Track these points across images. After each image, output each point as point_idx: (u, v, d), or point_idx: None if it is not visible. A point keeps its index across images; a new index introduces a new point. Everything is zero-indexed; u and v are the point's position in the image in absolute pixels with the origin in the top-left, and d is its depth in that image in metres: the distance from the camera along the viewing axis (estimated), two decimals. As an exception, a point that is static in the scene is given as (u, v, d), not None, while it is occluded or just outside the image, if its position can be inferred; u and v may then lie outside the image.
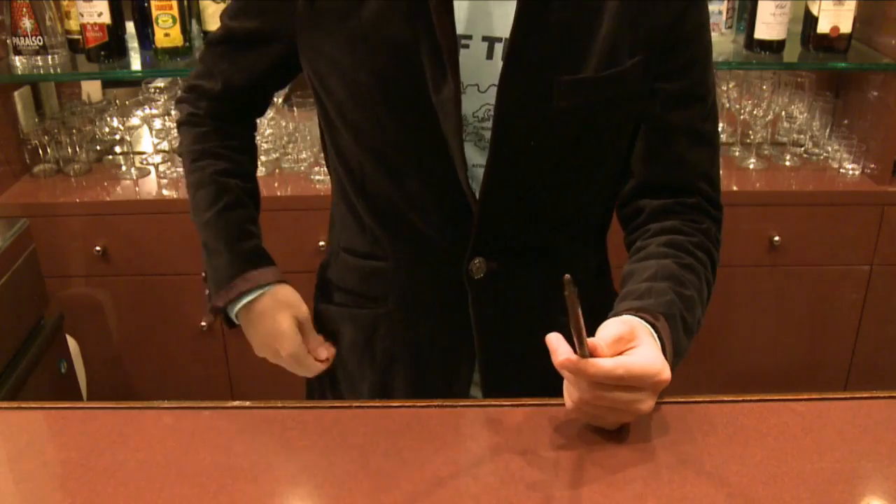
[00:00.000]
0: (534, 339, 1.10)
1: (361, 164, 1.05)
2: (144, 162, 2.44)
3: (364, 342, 1.15)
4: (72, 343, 2.25)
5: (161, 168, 2.40)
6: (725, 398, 1.00)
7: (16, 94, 2.36)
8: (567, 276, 0.80)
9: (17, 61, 2.26)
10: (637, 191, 1.07)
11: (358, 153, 1.05)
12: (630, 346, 0.88)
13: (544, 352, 1.12)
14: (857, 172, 2.33)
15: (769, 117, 2.34)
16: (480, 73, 0.98)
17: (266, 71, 1.12)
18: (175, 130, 2.39)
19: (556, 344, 0.85)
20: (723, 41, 2.35)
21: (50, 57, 2.26)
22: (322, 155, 1.18)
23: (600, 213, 1.13)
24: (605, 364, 0.84)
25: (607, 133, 1.02)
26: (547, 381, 1.13)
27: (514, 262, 1.06)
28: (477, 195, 1.01)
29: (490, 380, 1.11)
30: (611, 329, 0.89)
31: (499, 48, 0.97)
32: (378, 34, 0.97)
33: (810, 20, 2.24)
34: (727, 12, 2.30)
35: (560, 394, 1.15)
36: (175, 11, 2.20)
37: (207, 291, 1.17)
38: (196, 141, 1.17)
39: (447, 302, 1.09)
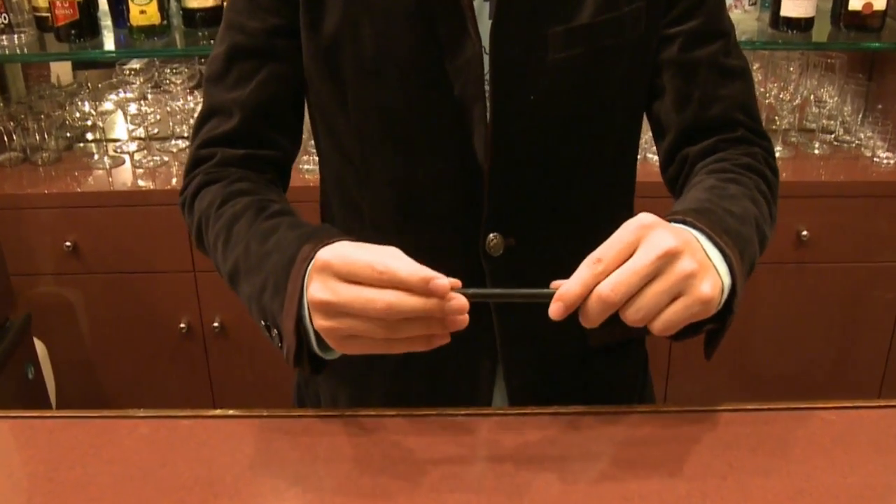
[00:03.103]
0: (556, 321, 1.12)
1: (364, 148, 1.06)
2: (118, 150, 2.44)
3: None
4: (39, 346, 2.24)
5: (136, 157, 2.40)
6: (749, 406, 1.00)
7: (-21, 76, 2.36)
8: (455, 282, 0.80)
9: (-20, 41, 2.26)
10: (676, 143, 1.08)
11: (362, 138, 1.05)
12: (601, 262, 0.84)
13: (566, 332, 1.13)
14: (891, 161, 2.33)
15: (797, 102, 2.34)
16: (486, 34, 0.99)
17: (284, 76, 1.07)
18: (152, 116, 2.41)
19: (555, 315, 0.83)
20: (746, 19, 2.35)
21: (16, 36, 2.26)
22: (311, 142, 1.18)
23: (622, 176, 1.14)
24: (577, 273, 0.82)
25: (611, 87, 1.04)
26: (569, 364, 1.15)
27: (532, 236, 1.07)
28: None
29: (512, 369, 1.12)
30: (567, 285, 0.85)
31: None
32: (384, 6, 0.98)
33: (841, -4, 2.24)
34: (751, -13, 2.30)
35: (583, 382, 1.16)
36: (151, -14, 2.20)
37: (274, 333, 0.91)
38: (220, 190, 1.04)
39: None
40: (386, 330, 0.81)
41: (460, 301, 0.80)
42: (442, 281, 0.79)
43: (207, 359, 2.39)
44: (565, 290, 0.81)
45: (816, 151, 2.39)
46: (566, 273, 1.11)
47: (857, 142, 2.43)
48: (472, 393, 1.13)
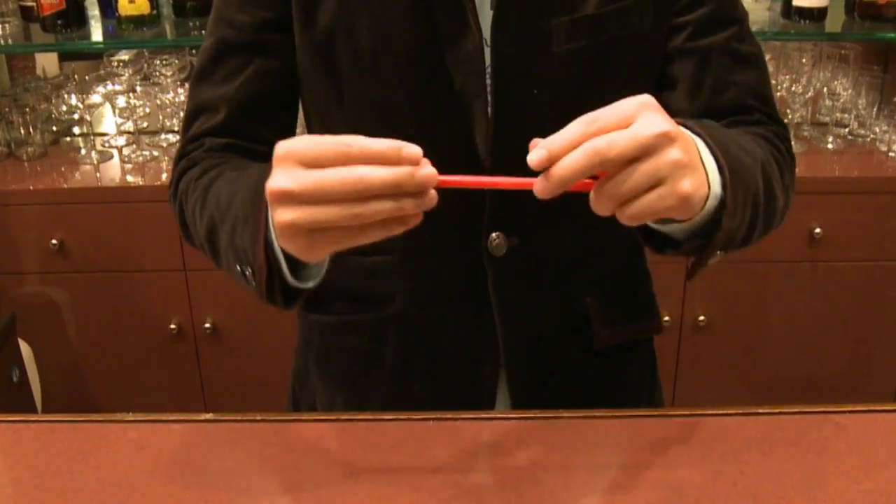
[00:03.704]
0: (559, 320, 1.12)
1: None
2: (106, 144, 2.43)
3: (371, 351, 1.15)
4: (24, 348, 2.24)
5: (125, 151, 2.39)
6: (760, 410, 1.00)
7: (-39, 68, 2.36)
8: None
9: (-37, 31, 2.26)
10: None
11: (357, 133, 1.05)
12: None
13: (573, 334, 1.13)
14: (908, 156, 2.33)
15: (809, 94, 2.34)
16: (488, 26, 0.99)
17: (273, 72, 1.06)
18: (141, 109, 2.41)
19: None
20: (758, 9, 2.34)
21: (0, 26, 2.25)
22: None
23: None
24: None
25: (618, 79, 1.04)
26: (574, 368, 1.15)
27: (535, 236, 1.07)
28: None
29: (515, 373, 1.12)
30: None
31: None
32: None
33: (856, -16, 2.24)
34: (762, -24, 2.30)
35: (588, 385, 1.16)
36: (140, -25, 2.20)
37: (249, 274, 0.90)
38: (200, 168, 1.04)
39: (464, 289, 1.09)
40: (354, 212, 0.77)
41: (430, 169, 0.77)
42: (414, 147, 0.76)
43: (199, 361, 2.39)
44: (552, 140, 0.78)
45: (830, 146, 2.39)
46: (572, 274, 1.11)
47: (871, 136, 2.43)
48: (474, 398, 1.13)
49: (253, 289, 0.90)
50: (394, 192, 0.76)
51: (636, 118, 0.78)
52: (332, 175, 0.76)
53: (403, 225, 0.80)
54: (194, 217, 1.00)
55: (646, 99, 0.80)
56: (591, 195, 0.79)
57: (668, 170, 0.78)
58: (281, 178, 0.78)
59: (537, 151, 0.78)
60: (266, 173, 0.83)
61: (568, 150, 0.78)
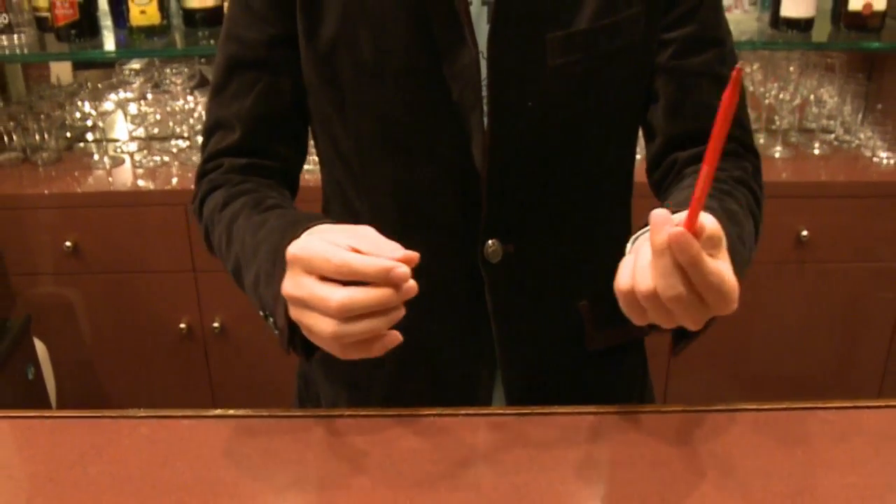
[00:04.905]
0: (554, 324, 1.12)
1: (362, 153, 1.06)
2: (119, 150, 2.44)
3: None
4: (40, 347, 2.24)
5: (137, 157, 2.39)
6: (749, 406, 1.01)
7: (-21, 76, 2.36)
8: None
9: (-20, 41, 2.26)
10: (665, 148, 1.08)
11: (360, 143, 1.06)
12: (718, 250, 0.79)
13: (566, 337, 1.13)
14: (892, 161, 2.33)
15: (796, 102, 2.34)
16: (485, 39, 0.99)
17: (283, 87, 1.07)
18: (152, 116, 2.41)
19: (663, 218, 0.76)
20: (746, 19, 2.34)
21: (16, 36, 2.26)
22: (311, 142, 1.18)
23: (620, 181, 1.14)
24: (711, 262, 0.75)
25: (611, 91, 1.04)
26: (568, 368, 1.16)
27: (531, 242, 1.07)
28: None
29: (511, 374, 1.12)
30: (713, 221, 0.79)
31: None
32: (382, 7, 0.98)
33: (841, -4, 2.24)
34: (751, -13, 2.30)
35: (582, 385, 1.16)
36: (151, -13, 2.20)
37: (271, 321, 0.95)
38: (222, 194, 1.06)
39: (461, 293, 1.09)
40: (336, 326, 0.79)
41: (411, 285, 0.80)
42: (402, 269, 0.78)
43: (207, 359, 2.39)
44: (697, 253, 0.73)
45: (816, 151, 2.39)
46: (567, 280, 1.11)
47: (857, 142, 2.43)
48: (471, 399, 1.13)
49: (273, 333, 0.94)
50: (378, 309, 0.80)
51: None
52: (320, 294, 0.79)
53: (383, 347, 0.82)
54: (220, 249, 1.04)
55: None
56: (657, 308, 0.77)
57: (709, 316, 0.78)
58: (287, 283, 0.84)
59: (666, 215, 0.75)
60: (287, 231, 0.89)
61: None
